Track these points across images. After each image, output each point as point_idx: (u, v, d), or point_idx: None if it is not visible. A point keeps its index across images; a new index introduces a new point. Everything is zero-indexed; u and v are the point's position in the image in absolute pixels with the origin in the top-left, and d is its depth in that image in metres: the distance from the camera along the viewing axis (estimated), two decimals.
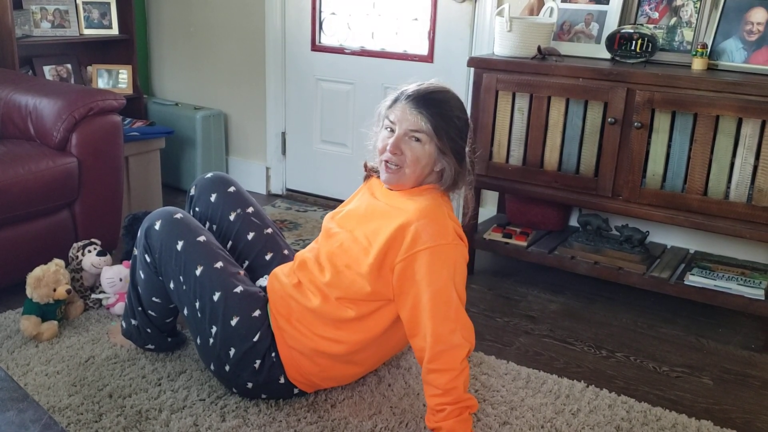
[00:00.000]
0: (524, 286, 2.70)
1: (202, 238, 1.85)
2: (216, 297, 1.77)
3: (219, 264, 1.81)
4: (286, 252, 2.03)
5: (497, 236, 2.72)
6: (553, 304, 2.57)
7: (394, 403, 1.87)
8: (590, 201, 2.47)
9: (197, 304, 1.79)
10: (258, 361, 1.76)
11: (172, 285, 1.84)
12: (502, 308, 2.52)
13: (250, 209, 2.06)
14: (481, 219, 2.94)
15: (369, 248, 1.69)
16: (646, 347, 2.28)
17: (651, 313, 2.51)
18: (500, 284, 2.71)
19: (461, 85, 3.00)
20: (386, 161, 1.74)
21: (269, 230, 2.06)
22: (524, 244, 2.66)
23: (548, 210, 2.77)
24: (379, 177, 1.83)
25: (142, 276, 1.91)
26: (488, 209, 3.09)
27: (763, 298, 2.25)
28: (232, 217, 2.02)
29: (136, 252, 1.93)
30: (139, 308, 1.96)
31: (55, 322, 2.13)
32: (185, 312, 1.83)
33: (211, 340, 1.78)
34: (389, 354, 1.91)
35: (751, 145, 2.16)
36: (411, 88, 1.74)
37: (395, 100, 1.74)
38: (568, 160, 2.47)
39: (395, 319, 1.75)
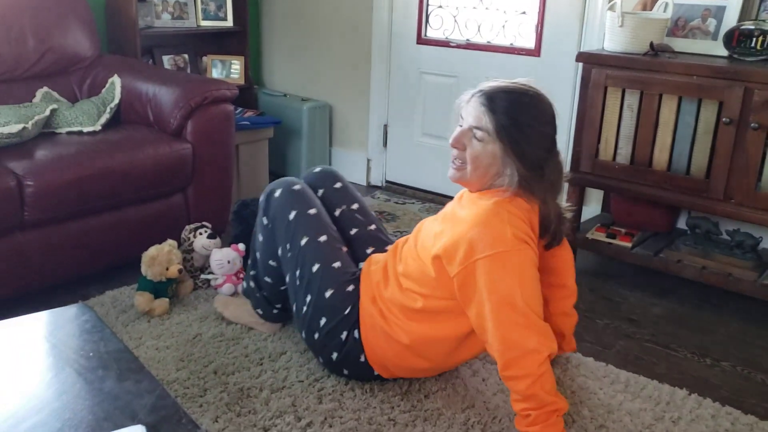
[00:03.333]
0: (627, 288, 2.63)
1: (313, 211, 1.94)
2: (315, 268, 1.85)
3: (323, 238, 1.90)
4: (387, 248, 2.05)
5: (601, 236, 2.66)
6: (657, 308, 2.49)
7: (487, 398, 1.87)
8: (700, 203, 2.37)
9: (297, 272, 1.88)
10: (345, 333, 1.82)
11: (279, 251, 1.94)
12: (602, 310, 2.46)
13: (355, 205, 2.10)
14: (584, 218, 2.88)
15: (432, 247, 1.70)
16: (756, 358, 2.18)
17: (762, 323, 2.39)
18: (602, 285, 2.65)
19: (568, 80, 2.94)
20: (453, 157, 1.71)
21: (372, 227, 2.09)
22: (629, 245, 2.59)
23: (655, 211, 2.68)
24: None
25: (261, 238, 2.02)
26: (592, 208, 3.02)
27: None
28: (337, 213, 2.06)
29: (257, 218, 2.04)
30: (253, 272, 2.09)
31: (167, 300, 2.26)
32: (287, 278, 1.93)
33: (305, 308, 1.86)
34: (462, 358, 1.87)
35: None
36: (490, 83, 1.68)
37: (472, 95, 1.69)
38: (678, 160, 2.38)
39: (466, 331, 1.74)
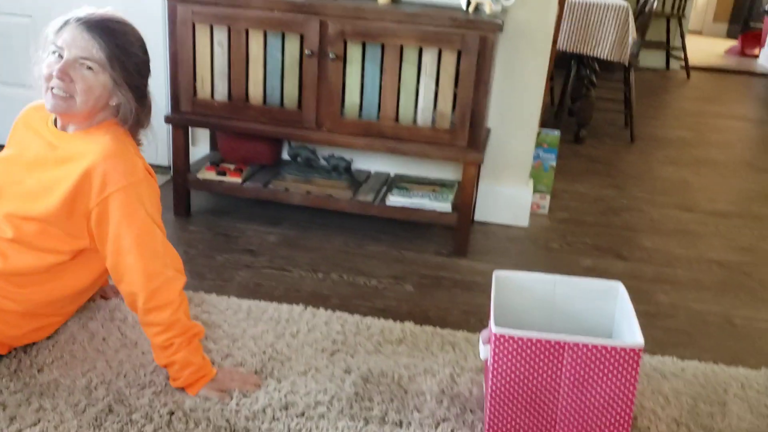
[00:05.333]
0: (243, 222, 2.73)
1: None
2: None
3: None
4: None
5: (211, 175, 2.70)
6: (272, 236, 2.64)
7: (110, 357, 1.80)
8: (297, 133, 2.54)
9: None
10: None
11: None
12: (221, 246, 2.53)
13: None
14: (193, 158, 2.89)
15: (49, 196, 1.61)
16: (357, 265, 2.46)
17: (360, 234, 2.70)
18: (218, 223, 2.71)
19: (155, 18, 2.86)
20: (53, 88, 1.61)
21: None
22: (239, 180, 2.68)
23: (259, 145, 2.80)
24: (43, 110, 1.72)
25: None
26: (200, 148, 3.04)
27: (450, 211, 2.54)
28: None
29: None
30: None
31: None
32: None
33: None
34: (84, 297, 1.86)
35: (431, 73, 2.38)
36: (83, 11, 1.63)
37: (65, 23, 1.61)
38: (272, 93, 2.51)
39: (87, 283, 1.76)
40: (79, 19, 1.60)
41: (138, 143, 1.77)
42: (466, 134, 2.41)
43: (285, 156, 2.95)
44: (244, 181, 2.69)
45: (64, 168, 1.63)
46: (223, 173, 2.70)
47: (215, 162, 2.82)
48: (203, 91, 2.53)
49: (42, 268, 1.65)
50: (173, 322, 1.63)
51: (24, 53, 3.03)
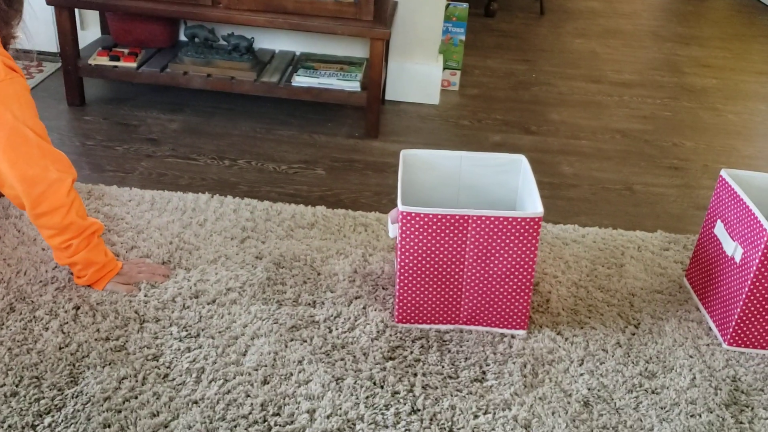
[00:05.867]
0: (141, 109, 2.60)
1: None
2: None
3: None
4: None
5: (104, 60, 2.53)
6: (174, 123, 2.53)
7: (7, 255, 1.73)
8: (192, 12, 2.39)
9: None
10: None
11: None
12: (120, 136, 2.41)
13: None
14: (83, 43, 2.69)
15: None
16: (266, 151, 2.40)
17: (267, 118, 2.62)
18: (115, 111, 2.57)
19: None
20: None
21: None
22: (134, 65, 2.53)
23: (154, 26, 2.64)
24: None
25: None
26: (91, 32, 2.84)
27: (359, 90, 2.48)
28: None
29: None
30: None
31: None
32: None
33: None
34: None
35: None
36: None
37: None
38: None
39: None
40: None
41: (12, 37, 1.61)
42: (371, 8, 2.32)
43: (182, 37, 2.78)
44: (139, 66, 2.54)
45: None
46: (117, 58, 2.54)
47: (107, 46, 2.64)
48: None
49: None
50: (66, 225, 1.56)
51: None
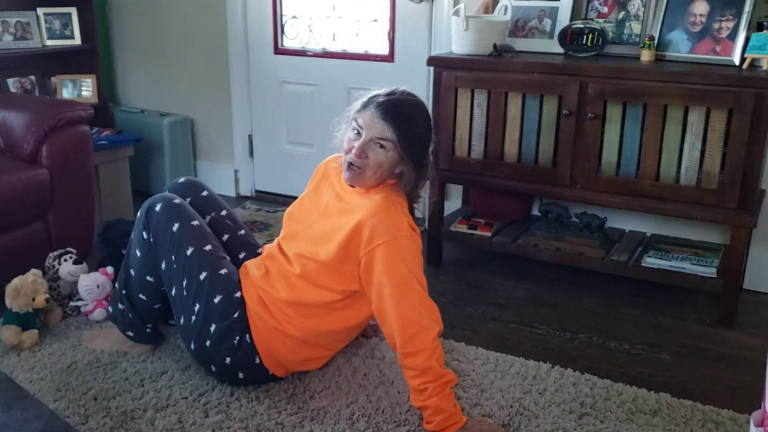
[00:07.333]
0: (491, 275, 2.80)
1: (195, 222, 1.97)
2: (203, 276, 1.89)
3: (208, 247, 1.94)
4: (259, 251, 2.12)
5: (463, 228, 2.82)
6: (519, 290, 2.67)
7: (369, 392, 1.95)
8: (550, 190, 2.57)
9: (185, 283, 1.90)
10: (237, 337, 1.87)
11: (164, 265, 1.94)
12: (470, 297, 2.61)
13: (224, 212, 2.14)
14: (447, 212, 3.03)
15: (329, 242, 1.84)
16: (608, 328, 2.39)
17: (612, 296, 2.62)
18: (467, 274, 2.81)
19: (422, 82, 3.08)
20: (350, 162, 1.85)
21: (242, 231, 2.15)
22: (489, 234, 2.76)
23: (510, 201, 2.87)
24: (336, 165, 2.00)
25: (138, 254, 2.00)
26: (453, 202, 3.18)
27: (715, 276, 2.38)
28: (207, 220, 2.09)
29: (133, 234, 2.02)
30: (125, 291, 2.05)
31: (36, 331, 2.17)
32: (173, 292, 1.94)
33: (194, 318, 1.89)
34: (351, 337, 2.07)
35: (698, 132, 2.28)
36: (382, 95, 1.85)
37: (365, 105, 1.85)
38: (527, 151, 2.57)
39: (355, 323, 1.95)
40: (378, 105, 1.82)
41: (416, 202, 1.96)
42: (737, 195, 2.26)
43: (535, 212, 2.98)
44: (494, 235, 2.77)
45: (343, 219, 1.86)
46: (474, 227, 2.81)
47: (467, 216, 2.94)
48: (461, 149, 2.67)
49: (320, 302, 1.87)
50: (427, 368, 1.73)
51: (309, 117, 3.46)
